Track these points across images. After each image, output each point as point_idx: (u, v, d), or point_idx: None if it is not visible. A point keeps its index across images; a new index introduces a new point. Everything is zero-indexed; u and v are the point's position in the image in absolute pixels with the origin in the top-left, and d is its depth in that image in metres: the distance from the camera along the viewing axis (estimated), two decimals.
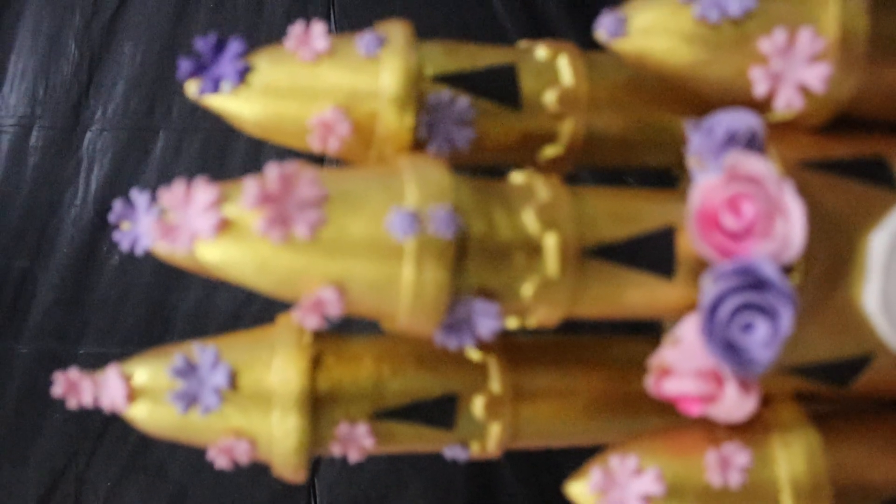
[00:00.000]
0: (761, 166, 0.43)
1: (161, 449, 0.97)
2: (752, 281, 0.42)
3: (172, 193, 0.43)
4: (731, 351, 0.42)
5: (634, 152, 0.53)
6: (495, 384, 0.51)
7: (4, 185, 0.95)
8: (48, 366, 1.01)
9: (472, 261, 0.43)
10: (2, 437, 0.95)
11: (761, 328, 0.42)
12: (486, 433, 0.51)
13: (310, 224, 0.41)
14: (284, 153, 0.96)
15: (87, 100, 0.96)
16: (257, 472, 0.98)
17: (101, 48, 0.97)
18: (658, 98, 0.52)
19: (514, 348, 0.53)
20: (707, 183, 0.43)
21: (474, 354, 0.52)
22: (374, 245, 0.42)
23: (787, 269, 0.43)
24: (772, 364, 0.43)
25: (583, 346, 0.55)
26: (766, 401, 0.49)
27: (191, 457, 0.96)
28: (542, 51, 0.52)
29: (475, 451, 0.52)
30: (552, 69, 0.51)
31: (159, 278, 0.96)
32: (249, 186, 0.40)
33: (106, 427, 0.95)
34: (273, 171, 0.41)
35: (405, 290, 0.42)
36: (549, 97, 0.50)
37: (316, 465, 0.97)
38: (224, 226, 0.42)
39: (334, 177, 0.44)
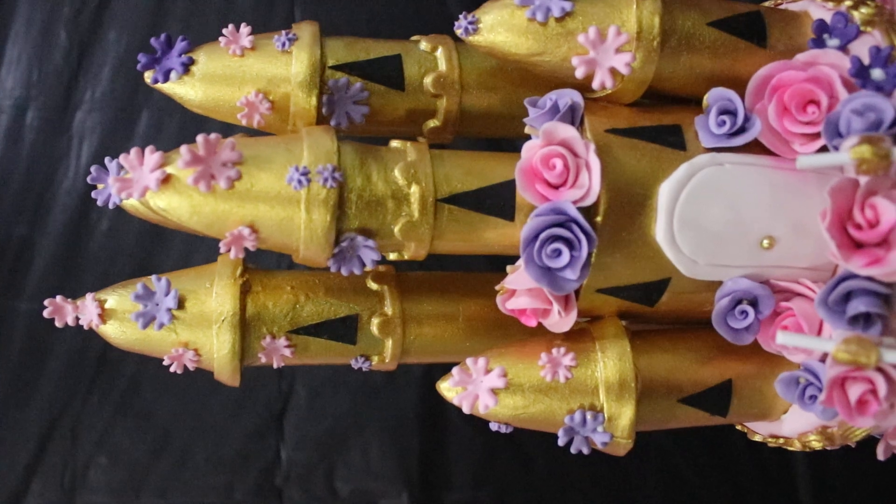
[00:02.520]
0: (570, 132, 0.59)
1: (147, 396, 1.12)
2: (562, 219, 0.59)
3: (129, 157, 0.60)
4: (546, 273, 0.59)
5: (502, 124, 0.70)
6: (389, 308, 0.68)
7: (3, 161, 1.10)
8: (46, 321, 1.16)
9: (353, 207, 0.60)
10: (6, 385, 1.11)
11: (565, 254, 0.58)
12: (383, 348, 0.69)
13: (228, 178, 0.58)
14: (252, 132, 1.11)
15: (77, 83, 1.11)
16: (231, 414, 1.17)
17: (89, 36, 1.11)
18: (519, 80, 0.69)
19: (406, 280, 0.70)
20: (530, 144, 0.60)
21: (373, 285, 0.69)
22: (277, 195, 0.59)
23: (592, 211, 0.60)
24: (580, 284, 0.60)
25: (463, 279, 0.72)
26: (598, 318, 0.66)
27: (174, 402, 1.14)
28: (424, 43, 0.69)
29: (375, 363, 0.69)
30: (431, 58, 0.69)
31: (143, 241, 1.11)
32: (184, 150, 0.58)
33: (97, 377, 1.11)
34: (201, 139, 0.58)
35: (301, 229, 0.59)
36: (427, 81, 0.68)
37: (283, 408, 1.14)
38: (166, 180, 0.59)
39: (250, 143, 0.61)
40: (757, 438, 0.72)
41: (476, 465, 1.15)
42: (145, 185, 0.59)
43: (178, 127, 1.13)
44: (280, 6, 1.14)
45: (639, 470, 1.16)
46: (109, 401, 1.12)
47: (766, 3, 0.70)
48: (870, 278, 0.56)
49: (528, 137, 0.70)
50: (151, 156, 0.59)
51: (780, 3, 0.69)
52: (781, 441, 0.69)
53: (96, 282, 1.11)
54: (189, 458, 1.13)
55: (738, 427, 0.74)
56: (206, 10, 1.14)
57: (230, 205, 0.59)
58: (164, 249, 1.13)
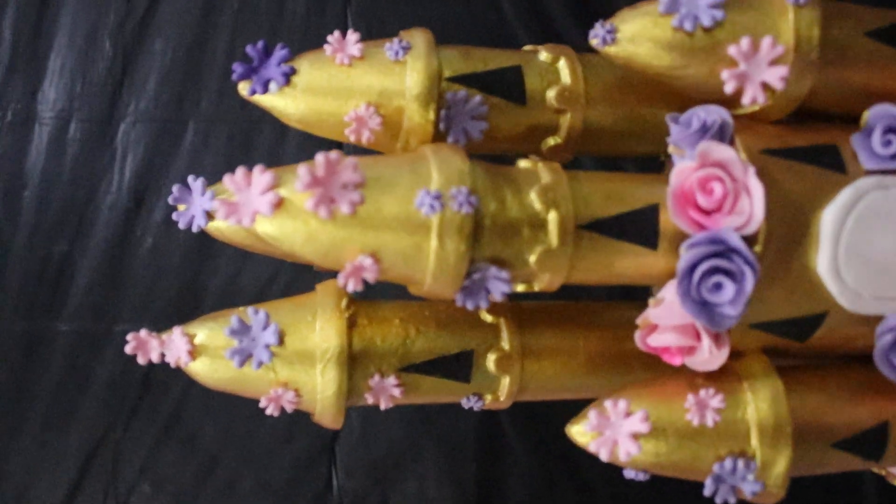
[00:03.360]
0: (728, 153, 0.52)
1: (192, 420, 1.05)
2: (721, 249, 0.51)
3: (235, 177, 0.52)
4: (704, 308, 0.52)
5: (625, 142, 0.63)
6: (506, 343, 0.60)
7: (45, 175, 1.02)
8: (87, 343, 1.09)
9: (486, 234, 0.52)
10: (45, 409, 1.03)
11: (728, 288, 0.51)
12: (498, 386, 0.61)
13: (350, 203, 0.50)
14: (303, 142, 1.04)
15: (121, 94, 1.03)
16: (281, 440, 1.09)
17: (134, 45, 1.03)
18: (645, 95, 0.62)
19: (522, 311, 0.62)
20: (683, 167, 0.53)
21: (488, 317, 0.61)
22: (404, 221, 0.51)
23: (751, 240, 0.53)
24: (739, 320, 0.53)
25: (582, 310, 0.64)
26: (739, 354, 0.59)
27: (220, 427, 1.06)
28: (544, 54, 0.61)
29: (488, 401, 0.61)
30: (553, 70, 0.61)
31: (189, 260, 1.04)
32: (302, 171, 0.50)
33: (140, 400, 1.03)
34: (320, 159, 0.50)
35: (430, 259, 0.51)
36: (551, 94, 0.60)
37: (336, 433, 1.06)
38: (280, 204, 0.51)
39: (371, 163, 0.53)
40: None
41: (535, 494, 1.08)
42: (255, 210, 0.51)
43: (225, 139, 1.06)
44: (332, 16, 1.07)
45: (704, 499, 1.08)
46: (153, 425, 1.05)
47: None
48: None
49: (655, 157, 0.63)
50: (262, 176, 0.51)
51: None
52: None
53: (140, 301, 1.04)
54: (236, 486, 1.05)
55: (876, 470, 0.66)
56: (255, 19, 1.07)
57: (351, 232, 0.51)
58: (210, 268, 1.05)
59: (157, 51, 1.04)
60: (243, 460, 1.05)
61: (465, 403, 0.61)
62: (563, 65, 0.61)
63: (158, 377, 1.03)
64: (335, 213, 0.50)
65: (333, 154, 0.51)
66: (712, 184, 0.51)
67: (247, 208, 0.51)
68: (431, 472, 1.06)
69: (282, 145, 1.04)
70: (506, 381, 0.60)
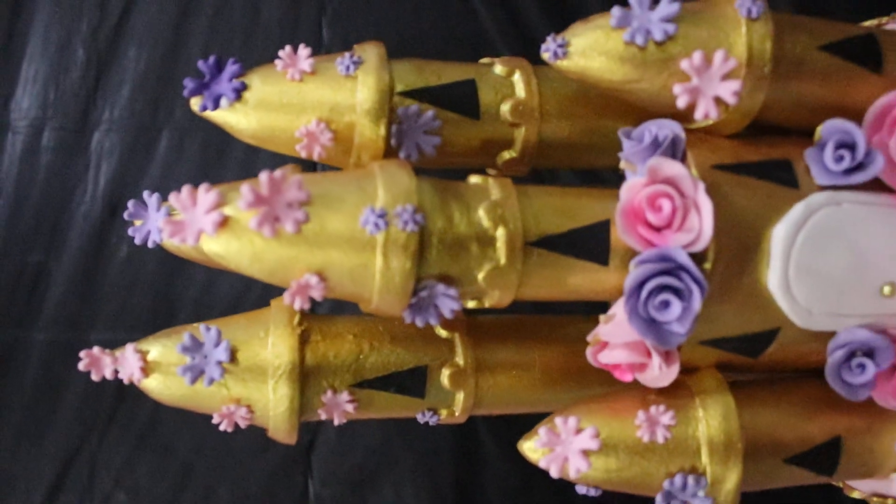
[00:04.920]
0: (678, 169, 0.52)
1: (168, 429, 1.04)
2: (669, 266, 0.51)
3: (181, 196, 0.51)
4: (652, 326, 0.51)
5: (583, 155, 0.63)
6: (460, 358, 0.60)
7: (19, 184, 1.02)
8: (62, 352, 1.09)
9: (433, 251, 0.52)
10: (20, 419, 1.02)
11: (676, 306, 0.51)
12: (453, 401, 0.60)
13: (295, 221, 0.50)
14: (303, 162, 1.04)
15: (95, 102, 1.03)
16: (257, 449, 1.09)
17: (107, 53, 1.03)
18: (602, 108, 0.61)
19: (477, 327, 0.62)
20: (633, 183, 0.52)
21: (442, 332, 0.61)
22: (349, 239, 0.50)
23: (701, 257, 0.52)
24: (687, 337, 0.52)
25: (539, 325, 0.64)
26: (693, 369, 0.59)
27: (195, 436, 1.05)
28: (499, 67, 0.61)
29: (443, 416, 0.61)
30: (508, 83, 0.60)
31: (164, 269, 1.03)
32: (245, 190, 0.49)
33: (116, 409, 1.03)
34: (264, 177, 0.50)
35: (376, 277, 0.51)
36: (505, 108, 0.60)
37: (311, 441, 1.05)
38: (224, 223, 0.51)
39: (317, 180, 0.53)
40: (856, 495, 0.65)
41: (512, 500, 1.07)
42: (200, 229, 0.51)
43: (199, 147, 1.05)
44: (306, 23, 1.06)
45: None
46: (129, 435, 1.04)
47: (868, 24, 0.63)
48: None
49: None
50: (206, 195, 0.51)
51: (885, 24, 0.62)
52: (891, 502, 0.62)
53: (115, 311, 1.04)
54: (212, 495, 1.05)
55: (834, 483, 0.66)
56: (229, 27, 1.06)
57: (297, 251, 0.50)
58: (186, 277, 1.05)
59: (131, 58, 1.04)
60: (219, 469, 1.05)
61: (421, 418, 0.61)
62: (517, 78, 0.60)
63: (134, 387, 1.03)
64: (280, 232, 0.50)
65: (278, 172, 0.50)
66: (661, 200, 0.51)
67: (192, 227, 0.51)
68: (408, 479, 1.06)
69: (256, 154, 1.04)
70: (460, 397, 0.60)
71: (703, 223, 0.51)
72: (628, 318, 0.51)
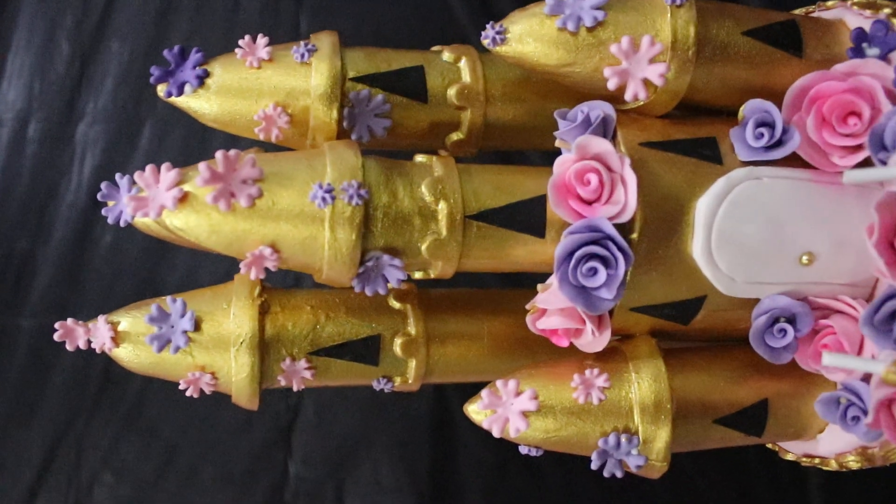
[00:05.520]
0: (605, 146, 0.56)
1: (153, 411, 1.08)
2: (598, 237, 0.55)
3: (144, 175, 0.56)
4: (581, 293, 0.56)
5: (528, 136, 0.67)
6: (412, 328, 0.65)
7: (5, 174, 1.06)
8: (49, 338, 1.13)
9: (378, 224, 0.57)
10: (8, 403, 1.06)
11: (602, 273, 0.55)
12: (406, 368, 0.65)
13: (249, 196, 0.55)
14: (256, 141, 1.08)
15: (79, 94, 1.07)
16: (239, 430, 1.13)
17: (91, 46, 1.07)
18: (545, 91, 0.66)
19: (429, 299, 0.67)
20: (563, 159, 0.57)
21: (395, 303, 0.66)
22: (299, 213, 0.55)
23: (628, 227, 0.57)
24: (616, 303, 0.57)
25: (488, 297, 0.69)
26: (629, 337, 0.63)
27: (180, 418, 1.10)
28: (447, 54, 0.66)
29: (398, 383, 0.66)
30: (455, 69, 0.65)
31: (148, 256, 1.07)
32: (202, 168, 0.54)
33: (102, 393, 1.07)
34: (220, 155, 0.55)
35: (325, 248, 0.56)
36: (451, 93, 0.64)
37: (292, 423, 1.10)
38: (184, 199, 0.55)
39: (270, 159, 0.57)
40: (789, 457, 0.69)
41: (487, 478, 1.11)
42: (161, 204, 0.56)
43: (181, 138, 1.10)
44: (286, 16, 1.11)
45: (650, 481, 1.13)
46: (114, 417, 1.08)
47: (798, 11, 0.67)
48: None
49: (555, 151, 0.67)
50: (168, 173, 0.56)
51: (812, 11, 0.66)
52: (817, 461, 0.67)
53: (100, 297, 1.08)
54: (196, 475, 1.09)
55: (770, 445, 0.71)
56: (210, 20, 1.11)
57: (251, 224, 0.55)
58: (168, 264, 1.09)
59: (115, 51, 1.08)
60: (202, 450, 1.09)
61: (376, 385, 0.66)
62: (464, 64, 0.65)
63: (118, 370, 1.06)
64: (235, 207, 0.55)
65: (233, 152, 0.55)
66: (589, 175, 0.56)
67: (154, 203, 0.56)
68: (385, 459, 1.10)
69: (236, 144, 1.07)
70: (412, 364, 0.65)
71: (628, 196, 0.56)
72: (559, 285, 0.56)
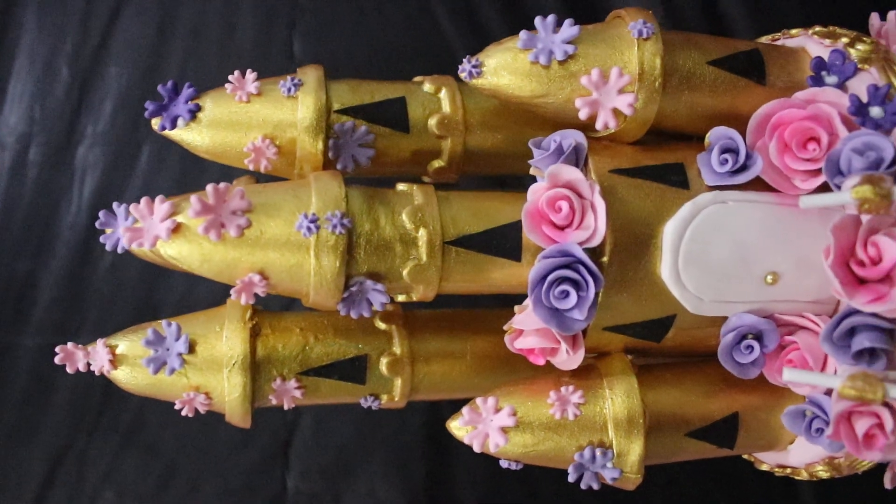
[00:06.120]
0: (575, 174, 0.60)
1: (152, 429, 1.13)
2: (570, 261, 0.59)
3: (139, 207, 0.61)
4: (554, 314, 0.60)
5: (508, 162, 0.71)
6: (397, 347, 0.69)
7: (7, 197, 1.10)
8: (50, 357, 1.16)
9: (361, 251, 0.61)
10: (10, 421, 1.10)
11: (573, 296, 0.59)
12: (392, 387, 0.69)
13: (238, 227, 0.59)
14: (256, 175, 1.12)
15: (79, 118, 1.11)
16: (238, 446, 1.17)
17: (90, 71, 1.11)
18: (524, 120, 0.70)
19: (414, 319, 0.71)
20: (536, 187, 0.61)
21: (381, 324, 0.70)
22: (286, 242, 0.60)
23: (599, 251, 0.61)
24: (588, 324, 0.61)
25: (471, 317, 0.73)
26: (604, 354, 0.67)
27: (179, 434, 1.14)
28: (427, 85, 0.70)
29: (384, 401, 0.70)
30: (435, 100, 0.70)
31: (146, 276, 1.12)
32: (193, 200, 0.59)
33: (102, 411, 1.11)
34: (210, 188, 0.59)
35: (310, 275, 0.60)
36: (432, 122, 0.69)
37: (289, 438, 1.14)
38: (177, 230, 0.60)
39: (258, 190, 0.62)
40: (764, 468, 0.73)
41: (482, 491, 1.15)
42: (156, 235, 0.60)
43: (179, 161, 1.13)
44: (279, 41, 1.15)
45: (645, 493, 1.16)
46: (115, 435, 1.12)
47: (763, 39, 0.71)
48: (874, 314, 0.57)
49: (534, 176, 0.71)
50: (161, 205, 0.60)
51: (778, 39, 0.70)
52: (789, 471, 0.70)
53: (100, 317, 1.12)
54: (196, 491, 1.13)
55: (746, 456, 0.74)
56: (205, 45, 1.14)
57: (240, 252, 0.60)
58: (167, 284, 1.13)
59: (113, 76, 1.12)
60: (202, 466, 1.13)
61: (364, 403, 0.70)
62: (444, 95, 0.69)
63: (119, 388, 1.12)
64: (225, 237, 0.59)
65: (222, 185, 0.60)
66: (560, 202, 0.60)
67: (149, 234, 0.60)
68: (381, 472, 1.14)
69: (231, 169, 1.11)
70: (398, 383, 0.69)
71: (598, 221, 0.60)
72: (533, 308, 0.60)
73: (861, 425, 0.57)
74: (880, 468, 0.69)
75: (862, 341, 0.58)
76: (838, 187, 0.58)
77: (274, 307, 0.81)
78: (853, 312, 0.58)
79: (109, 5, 1.11)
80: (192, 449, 1.14)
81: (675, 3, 1.13)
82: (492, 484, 1.15)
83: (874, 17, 0.68)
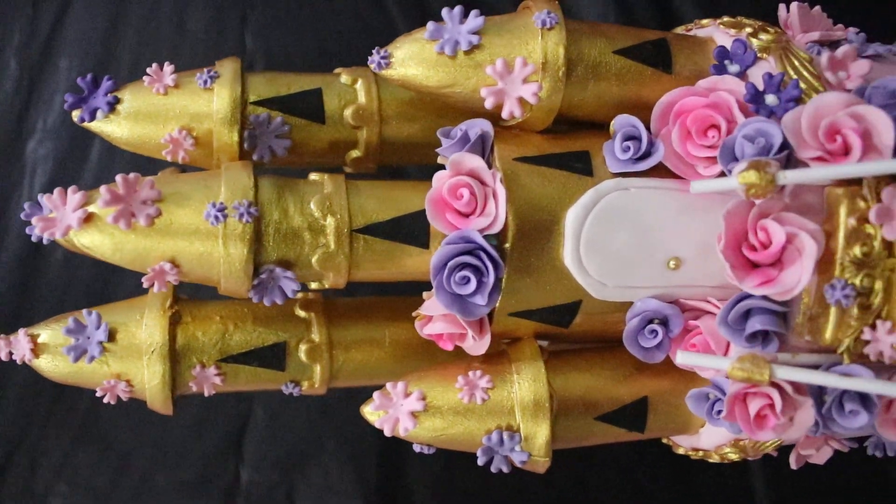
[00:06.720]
0: (477, 162, 0.63)
1: (106, 422, 1.15)
2: (470, 247, 0.62)
3: (53, 197, 0.63)
4: (456, 300, 0.63)
5: (425, 152, 0.74)
6: (316, 334, 0.72)
7: None
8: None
9: (270, 240, 0.63)
10: None
11: (473, 282, 0.62)
12: (312, 373, 0.72)
13: (148, 216, 0.62)
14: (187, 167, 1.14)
15: (29, 112, 1.14)
16: (191, 438, 1.19)
17: (40, 64, 1.14)
18: (440, 110, 0.73)
19: (333, 307, 0.74)
20: (439, 174, 0.64)
21: (301, 312, 0.73)
22: (195, 230, 0.62)
23: (503, 237, 0.64)
24: (490, 309, 0.64)
25: (390, 304, 0.76)
26: (516, 340, 0.70)
27: (133, 426, 1.16)
28: (344, 76, 0.73)
29: (305, 387, 0.73)
30: (352, 91, 0.72)
31: (99, 270, 1.14)
32: (103, 190, 0.61)
33: (55, 404, 1.14)
34: (119, 179, 0.62)
35: (220, 263, 0.63)
36: (347, 113, 0.71)
37: (242, 430, 1.17)
38: (89, 219, 0.62)
39: (170, 180, 0.64)
40: (680, 451, 0.76)
41: (435, 479, 1.17)
42: (68, 225, 0.63)
43: (131, 155, 1.14)
44: (231, 33, 1.18)
45: (598, 481, 1.19)
46: (68, 428, 1.15)
47: (678, 29, 0.74)
48: (766, 297, 0.60)
49: None
50: (73, 196, 0.63)
51: (691, 30, 0.73)
52: (701, 454, 0.73)
53: (52, 310, 1.10)
54: (150, 483, 1.16)
55: (664, 441, 0.77)
56: (157, 37, 1.17)
57: (151, 241, 0.62)
58: (120, 278, 1.15)
59: (63, 69, 1.15)
60: (156, 458, 1.16)
61: (285, 390, 0.73)
62: (360, 86, 0.72)
63: None
64: (135, 226, 0.62)
65: (132, 175, 0.62)
66: (461, 189, 0.62)
67: (61, 224, 0.63)
68: (334, 462, 1.16)
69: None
70: (317, 369, 0.72)
71: (498, 208, 0.62)
72: (435, 293, 0.63)
73: (753, 406, 0.60)
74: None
75: (755, 324, 0.60)
76: (731, 173, 0.61)
77: (204, 296, 0.84)
78: (748, 296, 0.61)
79: None
80: (146, 441, 1.16)
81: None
82: (444, 471, 1.17)
83: (782, 8, 0.70)
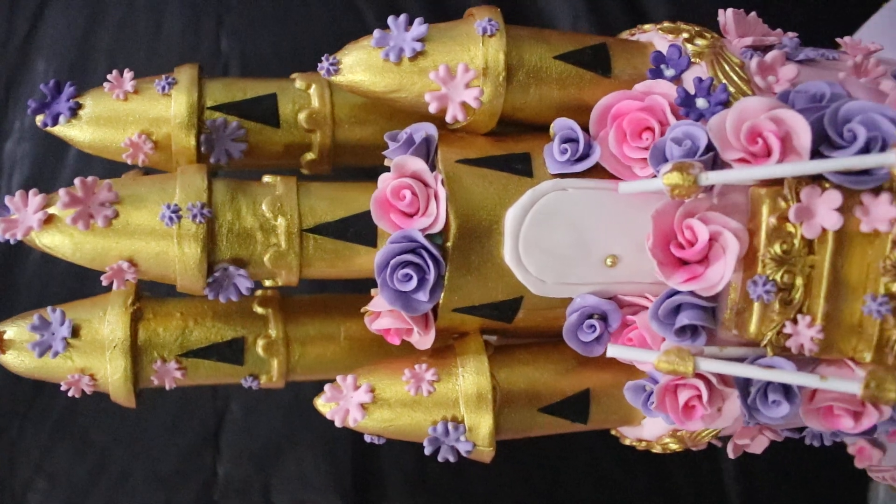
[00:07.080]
0: (418, 164, 0.67)
1: (84, 418, 1.19)
2: (412, 245, 0.66)
3: (14, 199, 0.67)
4: (399, 296, 0.67)
5: (378, 155, 0.77)
6: (273, 330, 0.76)
7: None
8: None
9: (224, 240, 0.68)
10: None
11: (414, 279, 0.66)
12: (269, 367, 0.76)
13: (105, 217, 0.66)
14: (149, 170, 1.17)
15: (6, 113, 1.18)
16: (168, 433, 1.23)
17: (17, 65, 1.18)
18: (389, 114, 0.77)
19: (290, 303, 0.78)
20: (383, 176, 0.68)
21: (259, 309, 0.77)
22: (151, 231, 0.67)
23: (445, 236, 0.68)
24: (433, 305, 0.68)
25: (345, 300, 0.80)
26: (463, 335, 0.74)
27: (111, 424, 1.20)
28: (299, 82, 0.77)
29: (263, 381, 0.77)
30: (306, 96, 0.76)
31: (75, 268, 1.17)
32: (62, 193, 0.65)
33: (34, 400, 1.18)
34: (78, 182, 0.66)
35: (175, 262, 0.67)
36: (301, 117, 0.75)
37: (219, 424, 1.21)
38: (49, 221, 0.67)
39: (127, 183, 0.68)
40: (627, 442, 0.79)
41: (409, 472, 1.22)
42: (29, 226, 0.67)
43: None
44: (207, 36, 1.21)
45: (569, 472, 1.23)
46: (46, 424, 1.19)
47: (623, 34, 0.78)
48: (693, 293, 0.64)
49: None
50: (35, 198, 0.67)
51: (634, 34, 0.76)
52: (645, 444, 0.77)
53: (30, 308, 1.17)
54: (128, 478, 1.20)
55: (613, 432, 0.81)
56: (133, 40, 1.21)
57: (109, 241, 0.66)
58: (96, 274, 1.19)
59: (40, 71, 1.19)
60: (133, 454, 1.20)
61: (245, 383, 0.77)
62: (313, 91, 0.76)
63: None
64: (93, 227, 0.66)
65: (90, 178, 0.67)
66: (403, 191, 0.66)
67: (23, 225, 0.67)
68: (309, 457, 1.21)
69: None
70: (275, 364, 0.76)
71: (439, 208, 0.66)
72: (380, 291, 0.67)
73: (682, 397, 0.64)
74: (799, 439, 0.76)
75: (683, 319, 0.64)
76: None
77: (165, 294, 0.88)
78: (678, 292, 0.65)
79: None
80: (124, 437, 1.20)
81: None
82: (418, 465, 1.22)
83: (721, 14, 0.74)
